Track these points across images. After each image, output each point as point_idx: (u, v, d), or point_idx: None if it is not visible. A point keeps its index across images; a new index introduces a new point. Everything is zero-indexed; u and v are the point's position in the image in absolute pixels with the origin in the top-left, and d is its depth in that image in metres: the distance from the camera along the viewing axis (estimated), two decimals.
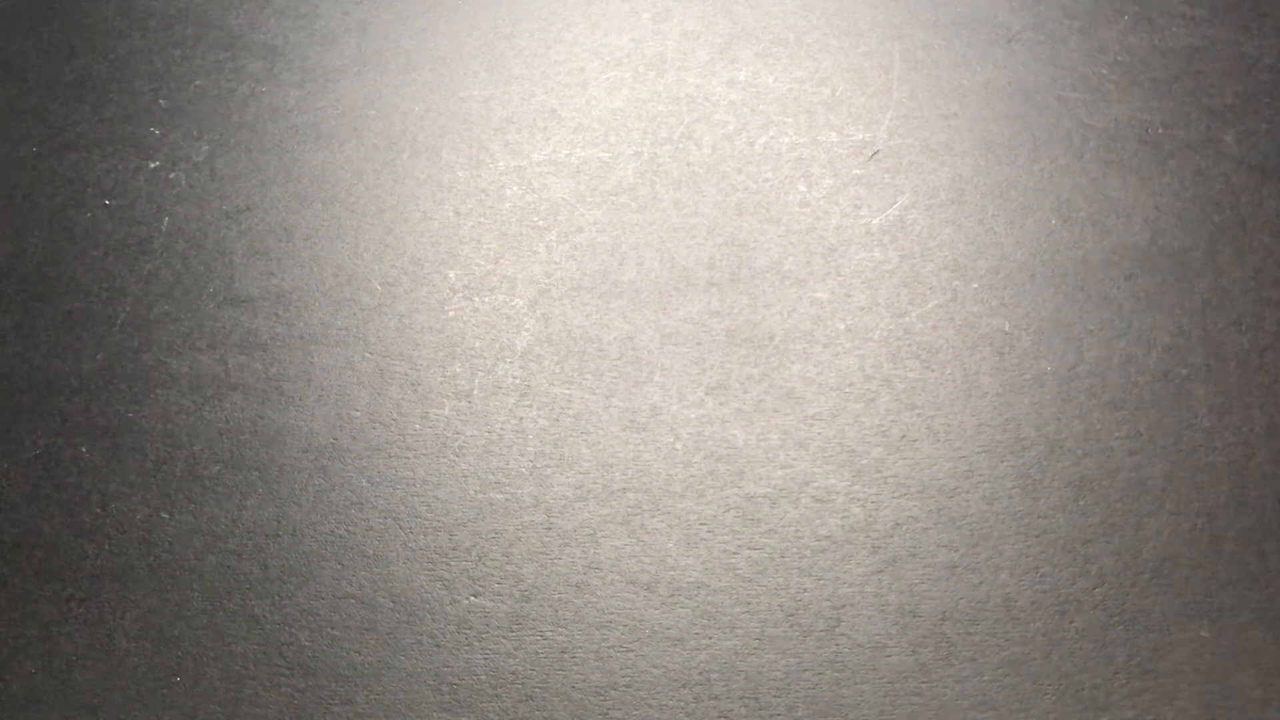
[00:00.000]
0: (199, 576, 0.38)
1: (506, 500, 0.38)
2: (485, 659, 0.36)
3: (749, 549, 0.37)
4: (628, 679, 0.35)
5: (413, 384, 0.39)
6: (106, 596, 0.37)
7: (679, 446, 0.39)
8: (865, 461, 0.39)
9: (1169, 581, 0.36)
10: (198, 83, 0.49)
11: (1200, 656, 0.35)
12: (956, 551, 0.37)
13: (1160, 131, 0.47)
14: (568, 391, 0.40)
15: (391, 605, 0.37)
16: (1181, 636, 0.35)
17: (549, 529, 0.38)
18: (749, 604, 0.36)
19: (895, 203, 0.40)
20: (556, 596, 0.37)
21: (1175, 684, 0.34)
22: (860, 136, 0.45)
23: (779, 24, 0.51)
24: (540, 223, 0.44)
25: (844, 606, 0.36)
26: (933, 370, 0.40)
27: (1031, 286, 0.42)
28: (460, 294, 0.42)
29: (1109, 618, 0.36)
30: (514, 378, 0.41)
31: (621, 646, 0.36)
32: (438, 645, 0.36)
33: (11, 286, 0.44)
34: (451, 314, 0.42)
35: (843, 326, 0.41)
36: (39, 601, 0.37)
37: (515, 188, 0.45)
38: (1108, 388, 0.40)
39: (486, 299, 0.42)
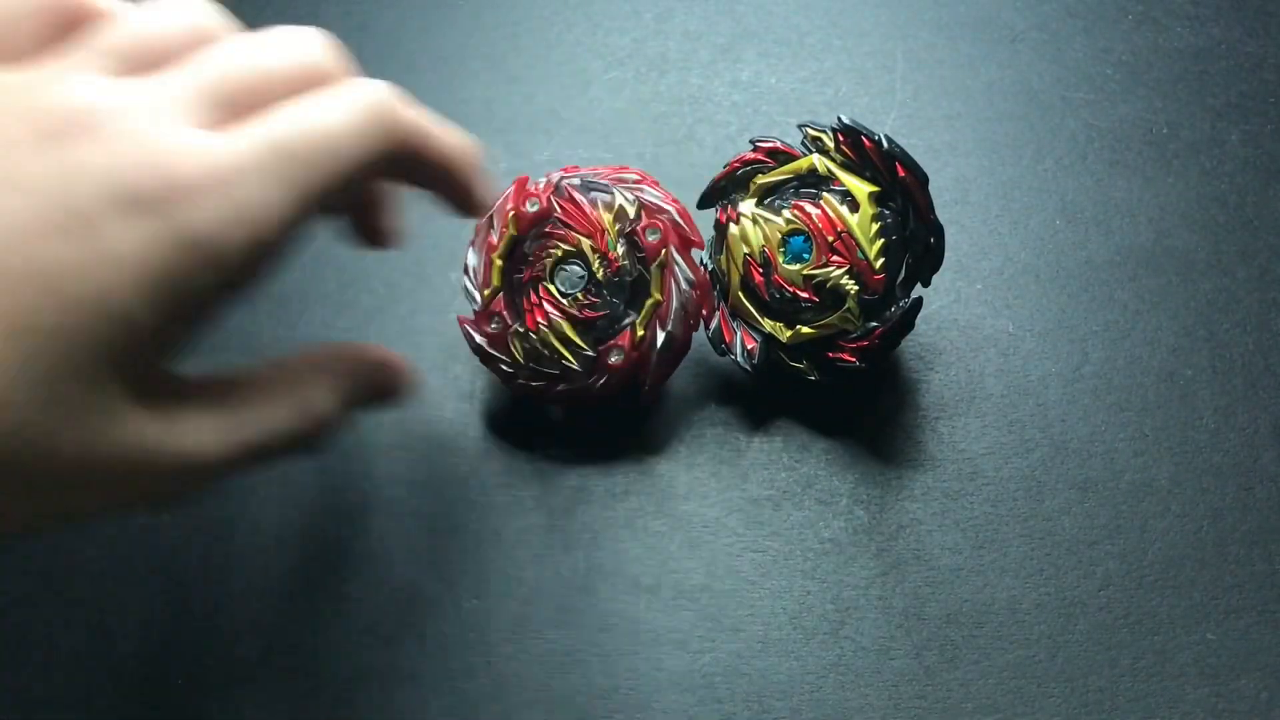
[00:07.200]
0: (199, 577, 0.37)
1: (508, 502, 0.38)
2: (487, 662, 0.36)
3: (752, 551, 0.37)
4: (631, 682, 0.35)
5: (415, 386, 0.39)
6: (106, 596, 0.37)
7: (682, 449, 0.39)
8: (869, 464, 0.39)
9: (1175, 584, 0.36)
10: None
11: (1206, 659, 0.34)
12: (961, 554, 0.37)
13: (1165, 132, 0.47)
14: None
15: (393, 608, 0.36)
16: (1188, 639, 0.35)
17: (551, 531, 0.38)
18: (753, 607, 0.36)
19: None
20: (559, 599, 0.36)
21: (1181, 686, 0.34)
22: None
23: (781, 24, 0.51)
24: None
25: (848, 609, 0.36)
26: (936, 371, 0.40)
27: (1036, 287, 0.42)
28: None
29: (1114, 620, 0.35)
30: None
31: (625, 650, 0.35)
32: (440, 648, 0.36)
33: None
34: (454, 316, 0.41)
35: None
36: (39, 602, 0.37)
37: None
38: (1113, 389, 0.40)
39: None
